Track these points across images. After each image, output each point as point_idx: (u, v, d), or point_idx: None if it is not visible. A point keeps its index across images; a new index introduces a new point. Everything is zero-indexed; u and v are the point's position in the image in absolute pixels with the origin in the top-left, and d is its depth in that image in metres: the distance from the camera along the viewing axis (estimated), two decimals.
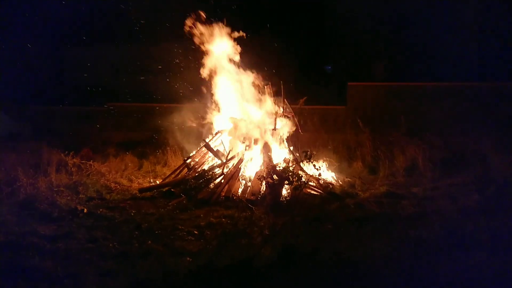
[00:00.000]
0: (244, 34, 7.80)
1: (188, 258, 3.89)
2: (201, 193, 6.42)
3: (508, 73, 12.53)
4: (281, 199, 5.99)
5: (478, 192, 5.69)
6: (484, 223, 4.31)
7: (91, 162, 7.86)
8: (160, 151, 9.18)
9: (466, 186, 6.17)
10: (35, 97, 13.44)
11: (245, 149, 7.22)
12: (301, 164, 6.85)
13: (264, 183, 6.24)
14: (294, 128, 7.84)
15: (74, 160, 7.78)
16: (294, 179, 6.20)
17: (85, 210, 5.65)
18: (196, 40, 7.91)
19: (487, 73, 12.67)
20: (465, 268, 3.28)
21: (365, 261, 3.53)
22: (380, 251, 3.69)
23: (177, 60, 9.20)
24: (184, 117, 8.94)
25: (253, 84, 7.82)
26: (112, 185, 7.13)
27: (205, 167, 7.11)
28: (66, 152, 7.95)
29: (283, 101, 7.71)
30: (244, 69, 7.84)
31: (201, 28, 7.84)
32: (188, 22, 7.83)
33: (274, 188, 6.05)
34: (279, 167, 6.50)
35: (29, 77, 14.50)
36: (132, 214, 5.63)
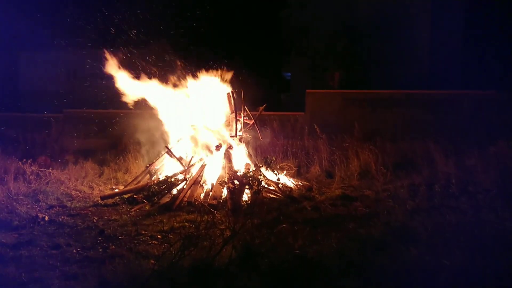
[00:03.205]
0: (205, 45, 8.02)
1: (152, 261, 4.05)
2: (164, 199, 6.57)
3: (456, 82, 13.43)
4: (241, 203, 6.22)
5: (423, 192, 6.16)
6: (426, 220, 4.73)
7: (50, 170, 7.80)
8: (121, 158, 9.19)
9: (414, 188, 6.65)
10: None
11: (207, 155, 7.41)
12: (261, 169, 7.11)
13: (225, 188, 6.46)
14: (254, 134, 8.13)
15: (32, 168, 7.70)
16: (254, 184, 6.46)
17: (46, 218, 5.65)
18: (157, 48, 8.04)
19: (438, 82, 13.51)
20: (406, 261, 3.64)
21: (317, 257, 3.84)
22: (332, 248, 4.01)
23: (137, 66, 9.27)
24: (145, 123, 9.01)
25: (214, 92, 8.04)
26: (73, 192, 7.12)
27: (168, 173, 7.23)
28: (24, 160, 7.85)
29: (244, 108, 7.97)
30: (205, 78, 8.04)
31: (162, 36, 7.99)
32: (149, 31, 7.96)
33: (235, 192, 6.28)
34: (240, 172, 6.74)
35: None
36: (95, 220, 5.69)
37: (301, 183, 7.60)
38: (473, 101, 10.39)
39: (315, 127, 9.66)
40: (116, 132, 10.41)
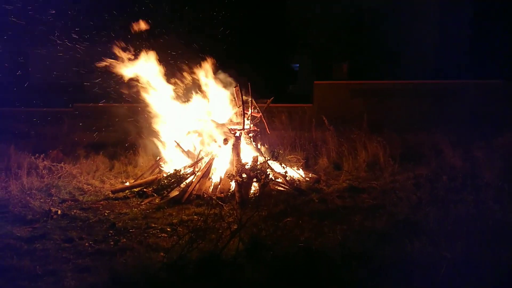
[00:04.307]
0: (212, 38, 8.07)
1: (161, 253, 4.16)
2: (173, 192, 6.68)
3: (464, 71, 13.34)
4: (249, 196, 6.31)
5: (430, 184, 6.18)
6: (432, 213, 4.77)
7: (61, 164, 7.92)
8: (131, 151, 9.32)
9: (420, 179, 6.67)
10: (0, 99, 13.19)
11: (215, 149, 7.49)
12: (268, 162, 7.18)
13: (233, 181, 6.54)
14: (262, 127, 8.19)
15: (45, 162, 7.83)
16: (261, 177, 6.53)
17: (59, 212, 5.79)
18: (164, 42, 8.11)
19: (445, 72, 13.44)
20: (409, 254, 3.70)
21: (323, 250, 3.92)
22: (336, 240, 4.09)
23: (146, 60, 9.32)
24: (154, 117, 9.10)
25: (222, 86, 8.10)
26: (85, 186, 7.26)
27: (177, 167, 7.33)
28: (36, 154, 8.00)
29: (251, 101, 8.01)
30: (212, 71, 8.10)
31: (170, 29, 8.05)
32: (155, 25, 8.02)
33: (242, 186, 6.36)
34: (248, 165, 6.81)
35: None
36: (106, 214, 5.82)
37: (309, 175, 7.65)
38: (480, 91, 10.34)
39: (323, 118, 9.65)
40: (126, 126, 10.53)
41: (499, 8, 13.07)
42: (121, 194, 6.82)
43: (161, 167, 7.72)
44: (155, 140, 8.33)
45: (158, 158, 8.02)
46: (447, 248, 3.60)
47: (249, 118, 7.91)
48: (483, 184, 5.32)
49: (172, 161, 7.73)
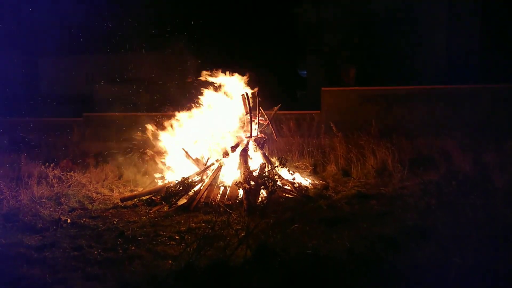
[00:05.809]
0: (219, 44, 8.11)
1: (170, 261, 4.17)
2: (181, 200, 6.70)
3: (474, 75, 13.24)
4: (257, 203, 6.29)
5: (439, 190, 6.12)
6: (441, 218, 4.72)
7: (71, 173, 8.00)
8: (139, 160, 9.37)
9: (430, 185, 6.60)
10: (11, 109, 13.40)
11: (223, 157, 7.51)
12: (276, 169, 7.18)
13: (241, 188, 6.54)
14: (270, 134, 8.20)
15: (55, 171, 7.91)
16: (269, 184, 6.52)
17: (69, 220, 5.84)
18: (170, 51, 8.19)
19: (455, 76, 13.35)
20: (419, 259, 3.66)
21: (330, 256, 3.89)
22: (344, 247, 4.06)
23: (153, 70, 9.42)
24: (162, 126, 9.16)
25: (229, 92, 8.13)
26: (94, 195, 7.31)
27: (185, 174, 7.36)
28: (46, 164, 8.08)
29: (258, 108, 8.02)
30: (220, 78, 8.14)
31: (175, 38, 8.12)
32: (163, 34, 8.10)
33: (250, 193, 6.35)
34: (256, 173, 6.81)
35: (3, 89, 14.43)
36: (115, 222, 5.85)
37: (317, 182, 7.63)
38: (491, 95, 10.24)
39: (331, 125, 9.64)
40: (135, 135, 10.61)
41: (509, 11, 12.97)
42: (129, 202, 6.85)
43: (170, 174, 7.75)
44: (164, 149, 8.38)
45: (166, 166, 8.05)
46: (457, 253, 3.56)
47: (257, 125, 7.92)
48: (493, 189, 5.25)
49: (180, 169, 7.76)
